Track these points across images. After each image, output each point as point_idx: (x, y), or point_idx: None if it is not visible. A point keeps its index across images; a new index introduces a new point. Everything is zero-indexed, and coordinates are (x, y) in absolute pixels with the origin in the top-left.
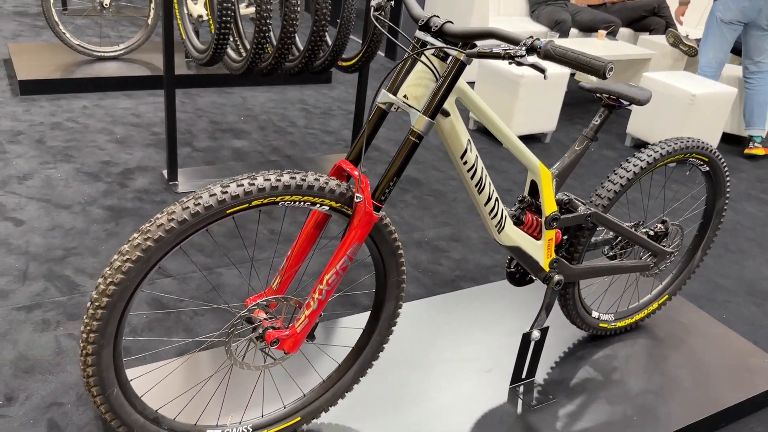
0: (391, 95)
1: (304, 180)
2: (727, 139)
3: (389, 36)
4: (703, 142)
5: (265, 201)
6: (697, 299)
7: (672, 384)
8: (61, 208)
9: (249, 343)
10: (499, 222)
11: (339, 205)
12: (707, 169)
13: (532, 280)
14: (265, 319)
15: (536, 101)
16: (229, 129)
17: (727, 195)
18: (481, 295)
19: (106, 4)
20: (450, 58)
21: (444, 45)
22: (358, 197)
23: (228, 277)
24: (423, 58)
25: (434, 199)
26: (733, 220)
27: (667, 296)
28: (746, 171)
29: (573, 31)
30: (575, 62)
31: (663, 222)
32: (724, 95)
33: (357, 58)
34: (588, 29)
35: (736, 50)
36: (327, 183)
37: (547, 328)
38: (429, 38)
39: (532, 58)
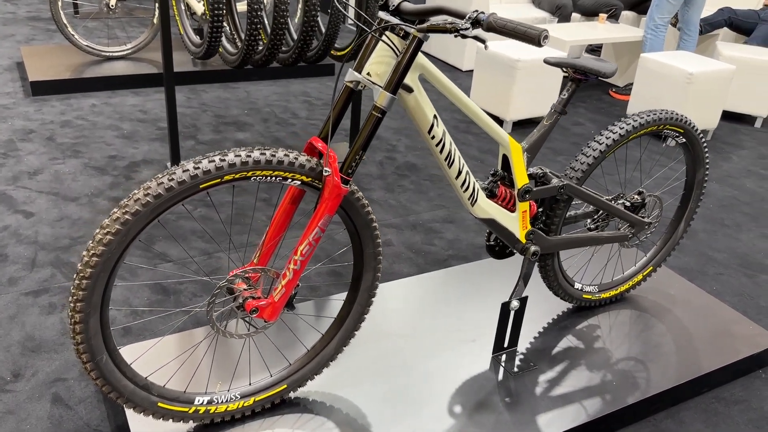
0: (356, 73)
1: (274, 156)
2: (728, 116)
3: (351, 18)
4: (676, 114)
5: (237, 176)
6: (689, 272)
7: (653, 351)
8: (69, 200)
9: (231, 312)
10: (471, 195)
11: (309, 179)
12: (684, 140)
13: (512, 253)
14: (245, 289)
15: (534, 86)
16: (233, 122)
17: (707, 166)
18: (470, 271)
19: (112, 5)
20: (409, 35)
21: (399, 22)
22: (326, 171)
23: (225, 260)
24: (383, 36)
25: (431, 184)
26: (730, 196)
27: (651, 268)
28: (748, 148)
29: (575, 15)
30: (513, 32)
31: (639, 193)
32: (722, 73)
33: (350, 47)
34: (590, 13)
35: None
36: (297, 158)
37: (526, 297)
38: (387, 17)
39: (476, 31)
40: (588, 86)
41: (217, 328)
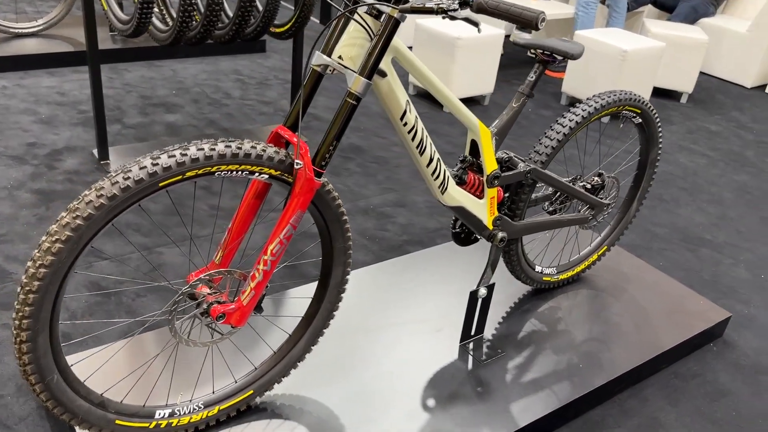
0: (325, 57)
1: (240, 148)
2: (656, 92)
3: None
4: (635, 94)
5: (200, 172)
6: (636, 249)
7: (614, 331)
8: None
9: (194, 319)
10: (441, 183)
11: (279, 172)
12: (640, 120)
13: (477, 239)
14: (209, 294)
15: (473, 63)
16: (161, 103)
17: (660, 145)
18: (428, 257)
19: None
20: (383, 15)
21: (376, 2)
22: (297, 164)
23: (169, 256)
24: (356, 16)
25: (378, 166)
26: (665, 171)
27: (605, 247)
28: (677, 123)
29: None
30: (507, 14)
31: (599, 175)
32: (653, 50)
33: (290, 24)
34: None
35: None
36: (265, 150)
37: (494, 284)
38: None
39: (465, 12)
40: (521, 63)
41: (179, 338)
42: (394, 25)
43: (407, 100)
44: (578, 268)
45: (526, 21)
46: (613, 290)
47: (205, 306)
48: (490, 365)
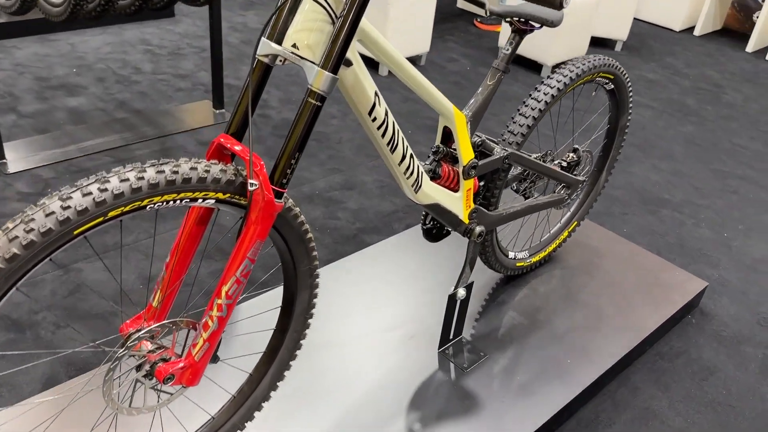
0: (274, 45)
1: (176, 172)
2: (593, 42)
3: None
4: (609, 59)
5: (127, 209)
6: (598, 216)
7: (595, 315)
8: None
9: (135, 383)
10: (416, 181)
11: (228, 195)
12: (612, 87)
13: (449, 233)
14: (150, 351)
15: (407, 22)
16: (61, 85)
17: (630, 111)
18: (389, 249)
19: None
20: None
21: None
22: (252, 184)
23: (89, 272)
24: None
25: (318, 144)
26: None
27: (576, 222)
28: None
29: None
30: None
31: (574, 150)
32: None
33: None
34: None
35: None
36: (208, 170)
37: (472, 283)
38: None
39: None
40: (451, 16)
41: (118, 408)
42: (362, 2)
43: (376, 92)
44: (550, 248)
45: (550, 1)
46: (587, 268)
47: (147, 367)
48: (473, 372)
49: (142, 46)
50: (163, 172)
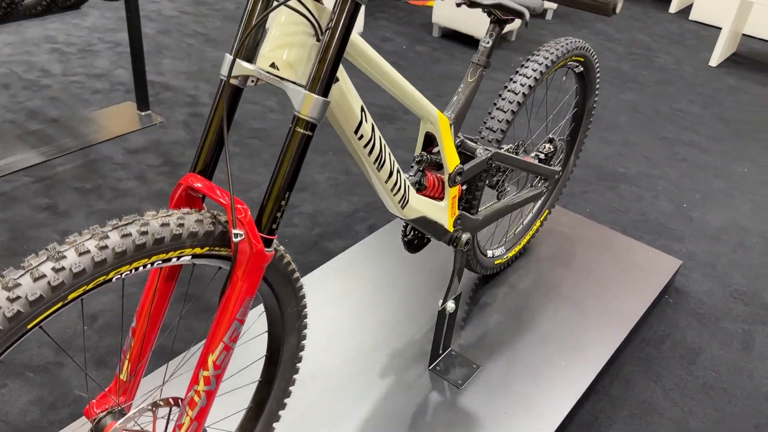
0: (246, 64)
1: (145, 233)
2: None
3: None
4: (579, 41)
5: (89, 286)
6: (560, 198)
7: (579, 309)
8: None
9: None
10: (403, 196)
11: (206, 249)
12: (581, 69)
13: (429, 240)
14: None
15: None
16: None
17: (597, 91)
18: (354, 261)
19: None
20: None
21: None
22: (237, 235)
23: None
24: (291, 2)
25: (260, 142)
26: (558, 99)
27: (547, 211)
28: None
29: None
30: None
31: (551, 141)
32: None
33: None
34: None
35: None
36: (182, 224)
37: (460, 294)
38: None
39: None
40: None
41: None
42: (354, 9)
43: (362, 106)
44: (524, 240)
45: (598, 8)
46: (561, 257)
47: None
48: (469, 388)
49: (47, 44)
50: (130, 235)
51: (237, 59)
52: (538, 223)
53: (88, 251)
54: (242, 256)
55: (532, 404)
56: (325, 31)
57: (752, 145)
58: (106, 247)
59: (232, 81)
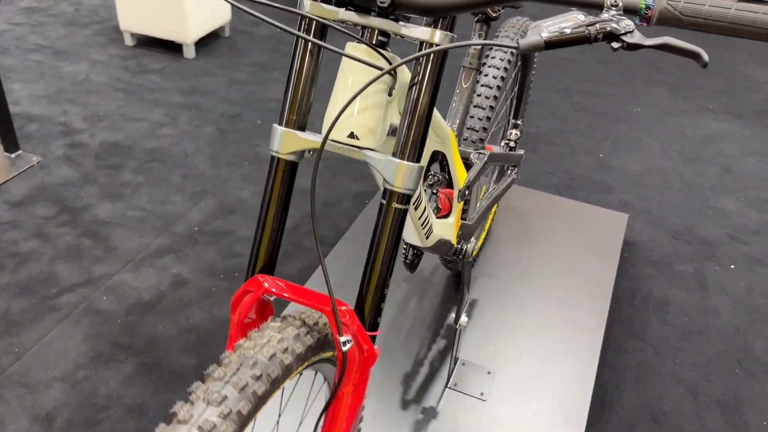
0: (310, 136)
1: (259, 376)
2: None
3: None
4: (525, 19)
5: None
6: None
7: (561, 288)
8: None
9: None
10: (429, 227)
11: (307, 363)
12: None
13: (422, 254)
14: None
15: None
16: None
17: (535, 65)
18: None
19: None
20: (424, 44)
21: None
22: (346, 342)
23: None
24: (352, 50)
25: (161, 165)
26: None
27: None
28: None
29: None
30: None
31: (515, 126)
32: None
33: None
34: None
35: None
36: (286, 347)
37: (474, 302)
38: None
39: (637, 35)
40: None
41: None
42: (443, 57)
43: None
44: (488, 226)
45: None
46: (523, 235)
47: None
48: (492, 398)
49: None
50: (246, 386)
51: (292, 130)
52: (496, 205)
53: (214, 426)
54: (352, 363)
55: (556, 398)
56: (412, 86)
57: (636, 84)
58: (229, 412)
59: (288, 157)
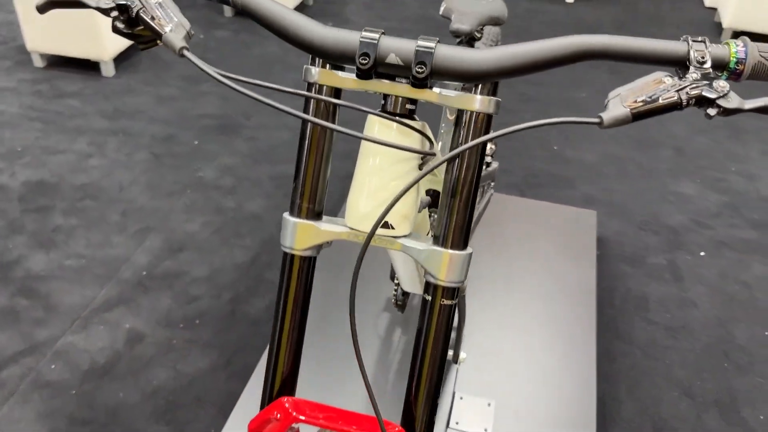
0: (334, 227)
1: None
2: None
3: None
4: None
5: None
6: None
7: (544, 299)
8: None
9: None
10: None
11: None
12: None
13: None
14: None
15: None
16: None
17: None
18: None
19: None
20: (465, 114)
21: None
22: None
23: None
24: (384, 130)
25: (95, 203)
26: None
27: None
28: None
29: None
30: None
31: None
32: None
33: None
34: None
35: None
36: None
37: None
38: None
39: (736, 98)
40: None
41: None
42: (488, 122)
43: None
44: None
45: None
46: (497, 246)
47: None
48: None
49: None
50: None
51: (308, 221)
52: None
53: None
54: None
55: (561, 422)
56: (452, 158)
57: (578, 69)
58: None
59: (304, 253)
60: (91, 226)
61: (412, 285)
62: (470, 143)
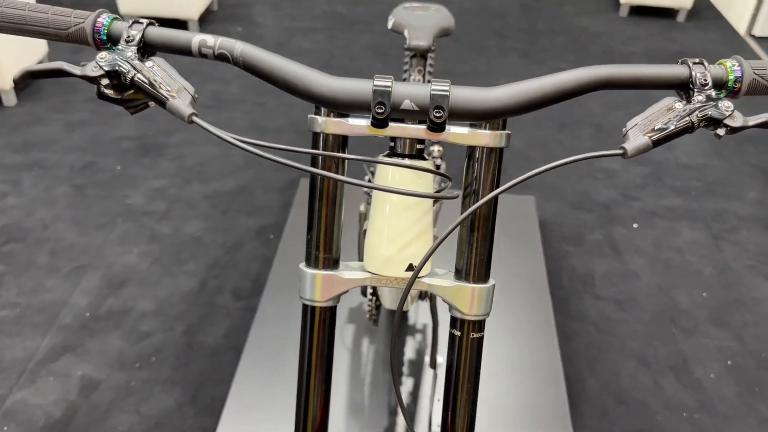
0: (349, 274)
1: None
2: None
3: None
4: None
5: None
6: None
7: (505, 288)
8: None
9: None
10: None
11: None
12: None
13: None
14: None
15: None
16: None
17: None
18: (259, 360)
19: None
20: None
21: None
22: None
23: None
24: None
25: (21, 246)
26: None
27: None
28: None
29: None
30: None
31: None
32: None
33: None
34: None
35: None
36: None
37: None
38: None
39: (740, 116)
40: None
41: None
42: (500, 156)
43: None
44: None
45: None
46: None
47: None
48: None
49: None
50: None
51: (327, 272)
52: None
53: None
54: None
55: (536, 414)
56: (467, 195)
57: (490, 56)
58: None
59: (325, 304)
60: (20, 272)
61: (392, 303)
62: (506, 185)
